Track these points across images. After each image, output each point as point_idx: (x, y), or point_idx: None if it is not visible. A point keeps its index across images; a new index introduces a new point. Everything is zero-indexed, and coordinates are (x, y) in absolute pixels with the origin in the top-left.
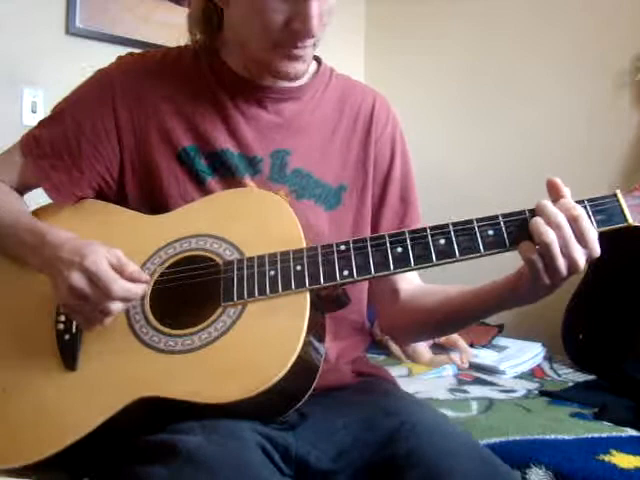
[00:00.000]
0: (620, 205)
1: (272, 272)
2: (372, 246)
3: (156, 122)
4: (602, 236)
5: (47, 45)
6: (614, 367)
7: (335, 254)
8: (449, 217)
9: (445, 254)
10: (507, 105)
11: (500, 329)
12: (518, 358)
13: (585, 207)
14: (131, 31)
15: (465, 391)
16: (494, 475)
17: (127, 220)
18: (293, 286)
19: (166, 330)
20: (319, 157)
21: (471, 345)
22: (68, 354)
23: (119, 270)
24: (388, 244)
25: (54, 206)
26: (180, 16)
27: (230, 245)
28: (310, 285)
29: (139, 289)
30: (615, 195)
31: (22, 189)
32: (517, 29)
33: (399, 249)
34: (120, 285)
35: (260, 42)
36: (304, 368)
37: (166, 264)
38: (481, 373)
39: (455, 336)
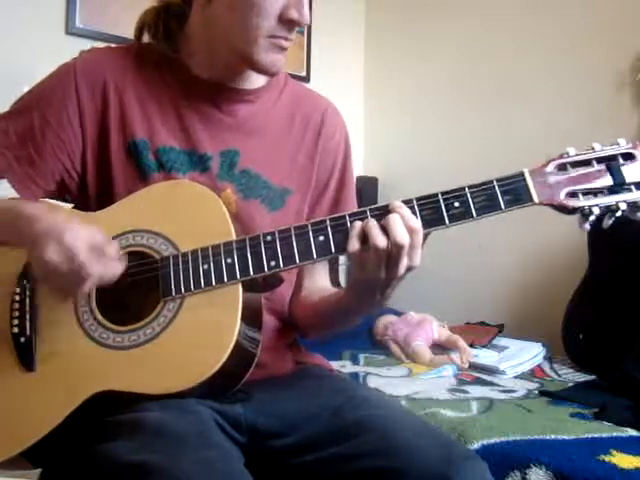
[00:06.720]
0: (526, 184)
1: (205, 266)
2: (296, 235)
3: (115, 112)
4: (603, 236)
5: (47, 45)
6: (614, 367)
7: (262, 245)
8: None
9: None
10: (507, 105)
11: (500, 329)
12: (518, 358)
13: (494, 187)
14: (131, 31)
15: (465, 391)
16: (447, 443)
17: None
18: (225, 279)
19: (113, 327)
20: (268, 159)
21: (471, 345)
22: (25, 356)
23: (98, 251)
24: (311, 233)
25: None
26: None
27: (165, 240)
28: (241, 277)
29: (117, 270)
30: (522, 174)
31: None
32: (517, 29)
33: (321, 237)
34: (97, 267)
35: (251, 34)
36: (242, 352)
37: None
38: (481, 373)
39: (455, 336)
